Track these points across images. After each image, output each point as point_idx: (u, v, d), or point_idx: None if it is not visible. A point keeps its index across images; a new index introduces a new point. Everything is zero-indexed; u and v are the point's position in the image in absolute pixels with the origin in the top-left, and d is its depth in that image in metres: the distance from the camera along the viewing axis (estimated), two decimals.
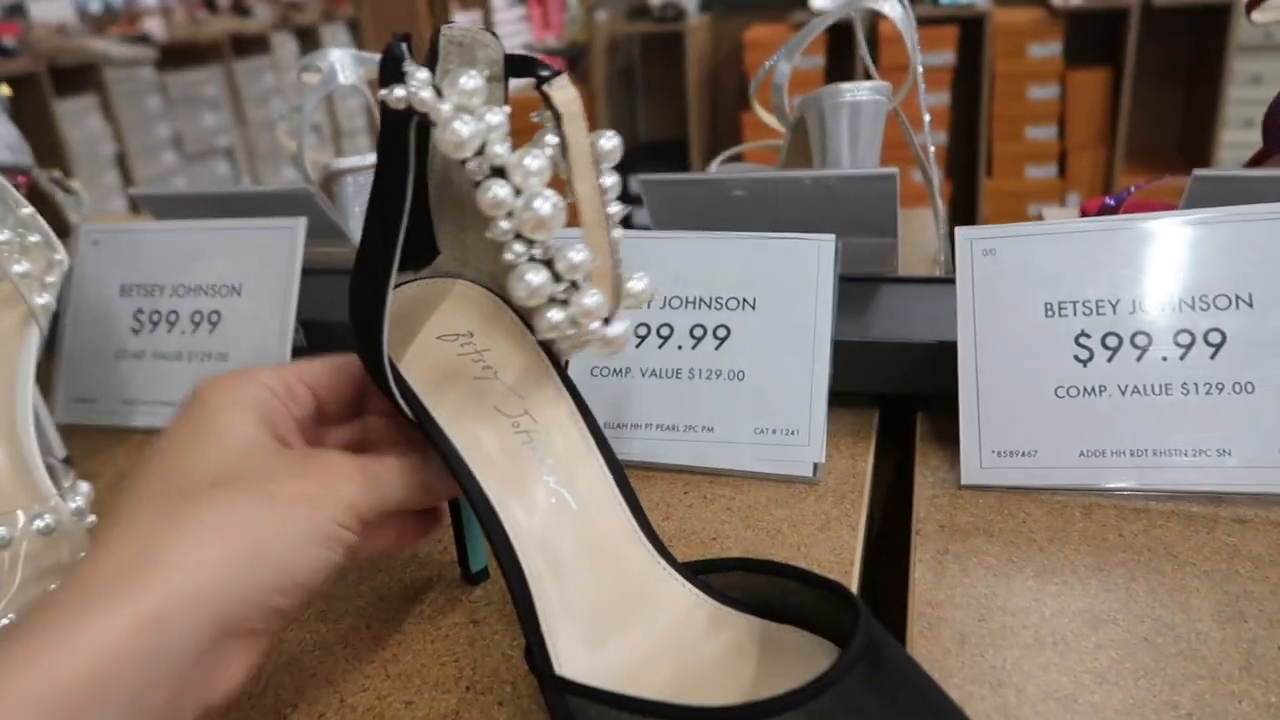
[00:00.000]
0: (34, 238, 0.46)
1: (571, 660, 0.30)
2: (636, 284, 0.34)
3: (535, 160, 0.30)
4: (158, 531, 0.26)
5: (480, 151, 0.30)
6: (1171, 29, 2.60)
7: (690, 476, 0.47)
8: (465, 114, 0.29)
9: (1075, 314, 0.44)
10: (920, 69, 0.64)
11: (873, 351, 0.50)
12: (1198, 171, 0.50)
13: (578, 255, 0.31)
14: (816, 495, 0.45)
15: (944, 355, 0.46)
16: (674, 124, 3.18)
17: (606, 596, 0.32)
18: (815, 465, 0.46)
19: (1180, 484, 0.42)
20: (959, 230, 0.46)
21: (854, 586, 0.39)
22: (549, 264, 0.31)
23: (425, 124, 0.29)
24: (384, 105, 0.29)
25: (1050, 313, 0.44)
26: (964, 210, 2.76)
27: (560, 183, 0.32)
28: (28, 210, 0.46)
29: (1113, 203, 0.65)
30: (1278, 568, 0.37)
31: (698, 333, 0.49)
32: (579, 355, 0.36)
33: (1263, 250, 0.43)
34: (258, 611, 0.28)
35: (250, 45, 3.54)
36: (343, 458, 0.31)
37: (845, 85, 0.62)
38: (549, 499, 0.33)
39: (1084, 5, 2.51)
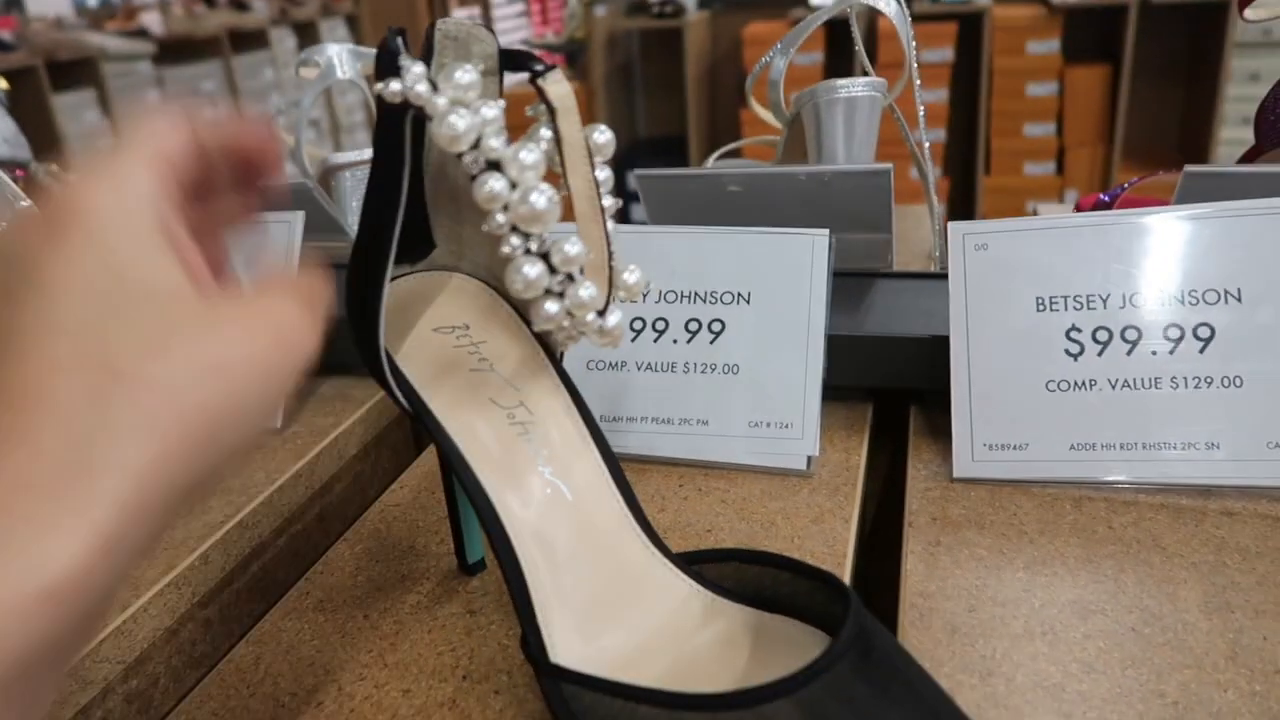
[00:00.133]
0: None
1: (567, 649, 0.31)
2: (630, 276, 0.34)
3: (530, 154, 0.31)
4: (90, 428, 0.21)
5: (476, 145, 0.30)
6: (1170, 26, 2.60)
7: (685, 469, 0.48)
8: (461, 108, 0.30)
9: (1066, 308, 0.44)
10: (915, 65, 0.65)
11: (866, 346, 0.50)
12: (1189, 167, 0.51)
13: (573, 248, 0.31)
14: (810, 488, 0.45)
15: (937, 350, 0.47)
16: (673, 120, 3.18)
17: (601, 586, 0.33)
18: (809, 458, 0.46)
19: (1169, 477, 0.42)
20: (952, 225, 0.46)
21: (847, 578, 0.40)
22: (545, 257, 0.31)
23: (421, 118, 0.30)
24: (379, 99, 0.29)
25: (1042, 307, 0.45)
26: (962, 207, 2.76)
27: (555, 176, 0.33)
28: (25, 203, 0.47)
29: (1107, 199, 0.66)
30: (1264, 559, 0.38)
31: (693, 326, 0.49)
32: (575, 349, 0.36)
33: (1252, 246, 0.43)
34: (200, 500, 0.25)
35: (248, 40, 3.53)
36: (284, 299, 0.26)
37: (840, 81, 0.62)
38: (545, 490, 0.34)
39: (1082, 2, 2.51)
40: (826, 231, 0.48)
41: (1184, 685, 0.32)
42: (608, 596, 0.33)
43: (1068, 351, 0.44)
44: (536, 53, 0.32)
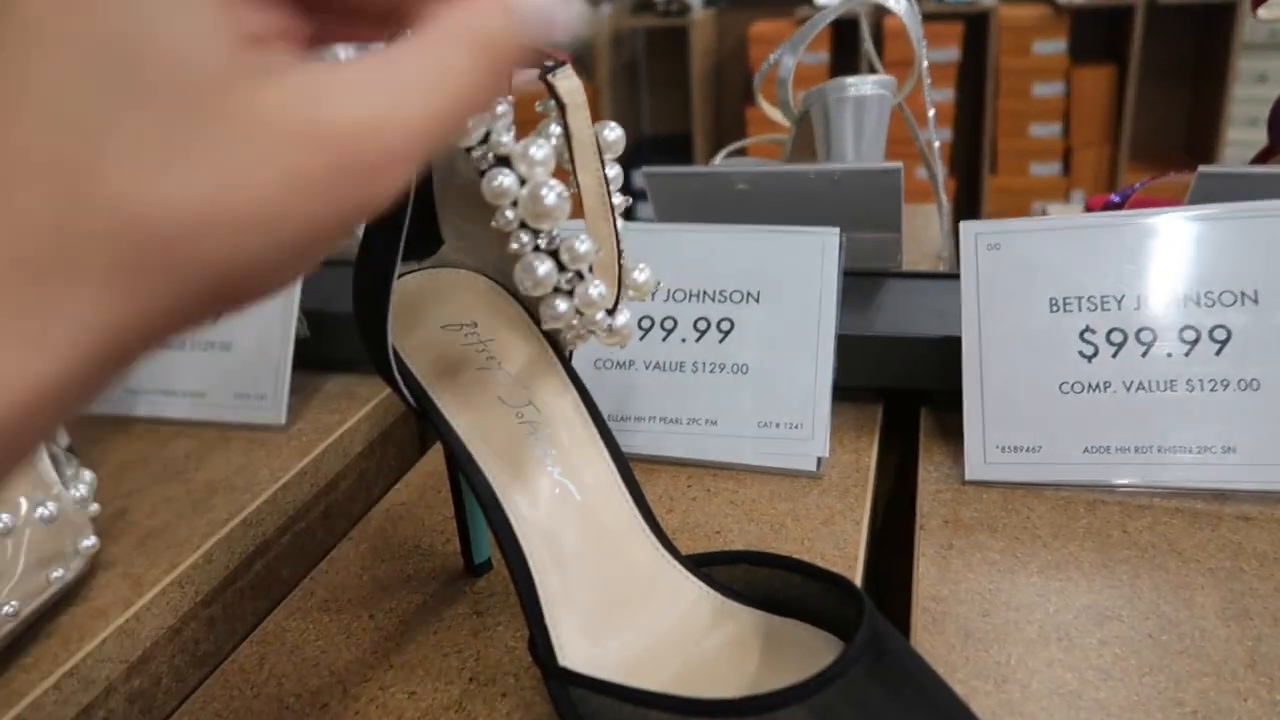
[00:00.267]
0: None
1: (575, 652, 0.30)
2: (640, 275, 0.33)
3: (540, 149, 0.30)
4: (47, 258, 0.16)
5: (485, 140, 0.30)
6: (1177, 26, 2.59)
7: (693, 470, 0.47)
8: None
9: (1080, 309, 0.44)
10: (925, 64, 0.64)
11: (877, 346, 0.50)
12: (1203, 168, 0.50)
13: (583, 245, 0.31)
14: (820, 490, 0.45)
15: (948, 350, 0.46)
16: (678, 119, 3.17)
17: (610, 588, 0.32)
18: (819, 459, 0.46)
19: (1184, 481, 0.42)
20: (964, 224, 0.46)
21: (858, 581, 0.39)
22: (554, 254, 0.31)
23: None
24: None
25: (1055, 308, 0.44)
26: (968, 207, 2.75)
27: (564, 173, 0.32)
28: None
29: (1118, 199, 0.65)
30: None
31: (701, 326, 0.49)
32: (583, 347, 0.36)
33: (1269, 247, 0.42)
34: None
35: None
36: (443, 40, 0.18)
37: (850, 79, 0.62)
38: (553, 490, 0.33)
39: (1089, 2, 2.50)
40: (837, 230, 0.47)
41: (1203, 693, 0.31)
42: (617, 598, 0.32)
43: (1081, 353, 0.43)
44: (545, 50, 0.32)
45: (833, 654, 0.28)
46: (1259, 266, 0.42)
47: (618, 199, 0.33)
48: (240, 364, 0.54)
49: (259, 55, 0.16)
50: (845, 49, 2.49)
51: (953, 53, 2.59)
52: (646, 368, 0.49)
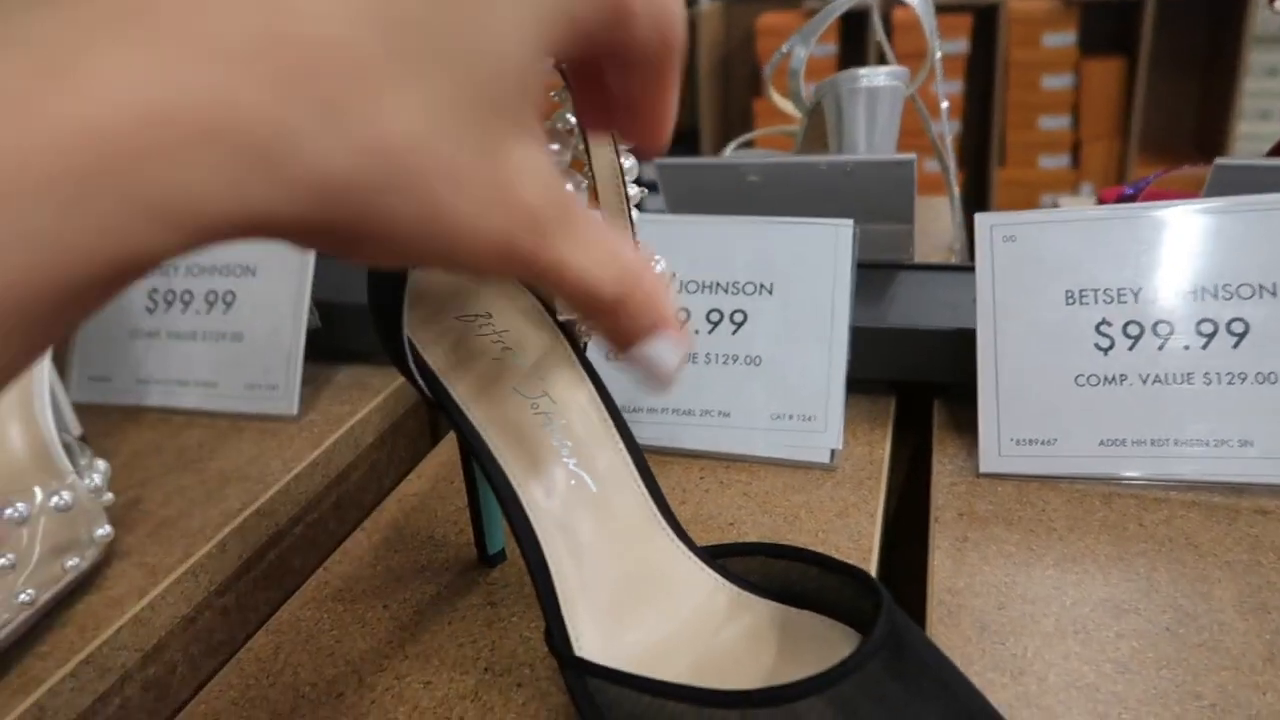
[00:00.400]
0: None
1: (591, 642, 0.30)
2: (655, 266, 0.33)
3: (555, 136, 0.30)
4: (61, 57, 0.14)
5: None
6: (1187, 19, 2.57)
7: (706, 462, 0.47)
8: None
9: (1096, 302, 0.44)
10: (939, 55, 0.64)
11: (890, 338, 0.50)
12: (1220, 160, 0.50)
13: None
14: (834, 482, 0.45)
15: (962, 343, 0.46)
16: (685, 111, 3.16)
17: (626, 579, 0.32)
18: (833, 451, 0.46)
19: (1201, 474, 0.41)
20: (979, 216, 0.45)
21: (873, 573, 0.39)
22: None
23: None
24: None
25: (1071, 300, 0.44)
26: (976, 199, 2.74)
27: (579, 164, 0.32)
28: None
29: (1131, 191, 0.65)
30: None
31: (714, 317, 0.48)
32: (597, 339, 0.36)
33: None
34: None
35: None
36: None
37: (863, 70, 0.61)
38: (568, 480, 0.33)
39: None
40: (851, 222, 0.47)
41: (1221, 687, 0.31)
42: (632, 589, 0.32)
43: (1097, 345, 0.43)
44: None
45: (849, 647, 0.28)
46: (1277, 259, 0.42)
47: (633, 190, 0.33)
48: (252, 354, 0.54)
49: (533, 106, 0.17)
50: (853, 41, 2.48)
51: (962, 45, 2.57)
52: None
